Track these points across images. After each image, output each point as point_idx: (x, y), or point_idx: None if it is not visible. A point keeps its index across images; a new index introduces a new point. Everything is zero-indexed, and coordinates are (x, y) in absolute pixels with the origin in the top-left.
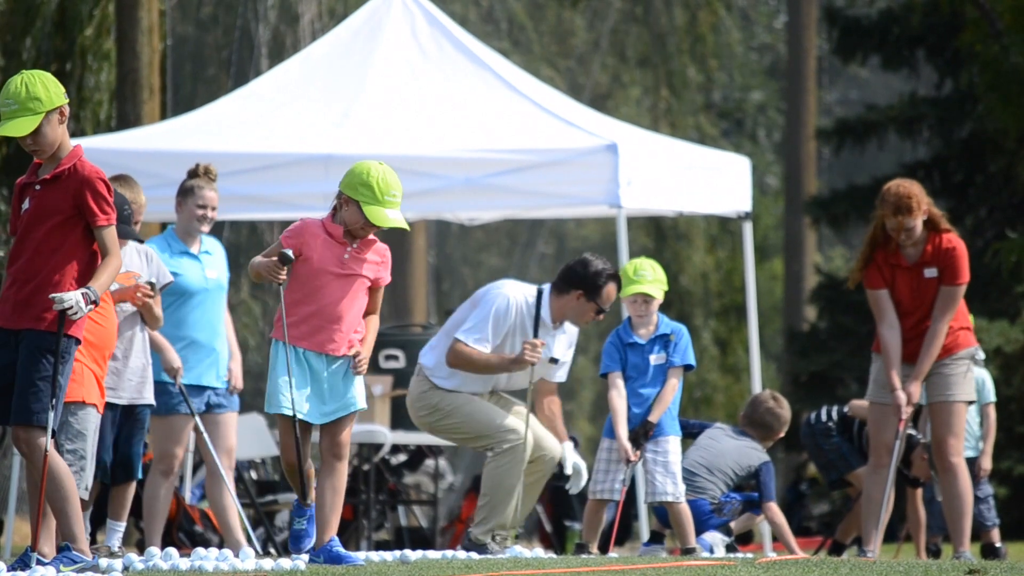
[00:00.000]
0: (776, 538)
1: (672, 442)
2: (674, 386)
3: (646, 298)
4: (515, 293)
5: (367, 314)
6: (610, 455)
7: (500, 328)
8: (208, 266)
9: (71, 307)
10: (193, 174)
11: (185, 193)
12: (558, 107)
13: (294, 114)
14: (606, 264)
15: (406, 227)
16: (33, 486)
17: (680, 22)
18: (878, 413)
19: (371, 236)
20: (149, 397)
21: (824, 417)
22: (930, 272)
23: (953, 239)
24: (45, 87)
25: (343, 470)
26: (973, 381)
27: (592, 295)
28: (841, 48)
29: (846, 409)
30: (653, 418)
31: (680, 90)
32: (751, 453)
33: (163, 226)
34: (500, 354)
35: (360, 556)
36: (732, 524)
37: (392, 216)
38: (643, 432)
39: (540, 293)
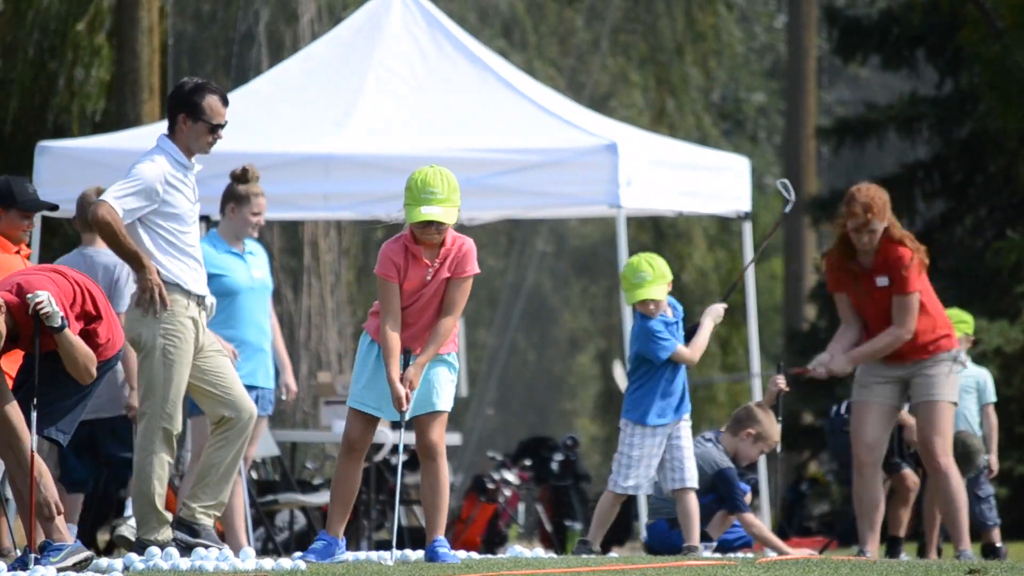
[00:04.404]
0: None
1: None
2: None
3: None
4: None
5: (442, 313)
6: (641, 451)
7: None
8: (253, 266)
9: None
10: (241, 179)
11: (240, 200)
12: (558, 107)
13: (294, 114)
14: (198, 79)
15: (441, 220)
16: (16, 489)
17: (680, 22)
18: (858, 412)
19: (447, 243)
20: None
21: (843, 410)
22: (882, 281)
23: (901, 249)
24: None
25: (436, 469)
26: (957, 383)
27: (196, 113)
28: (841, 48)
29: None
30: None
31: (680, 90)
32: (705, 462)
33: None
34: None
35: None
36: (710, 530)
37: (425, 211)
38: None
39: (159, 145)
